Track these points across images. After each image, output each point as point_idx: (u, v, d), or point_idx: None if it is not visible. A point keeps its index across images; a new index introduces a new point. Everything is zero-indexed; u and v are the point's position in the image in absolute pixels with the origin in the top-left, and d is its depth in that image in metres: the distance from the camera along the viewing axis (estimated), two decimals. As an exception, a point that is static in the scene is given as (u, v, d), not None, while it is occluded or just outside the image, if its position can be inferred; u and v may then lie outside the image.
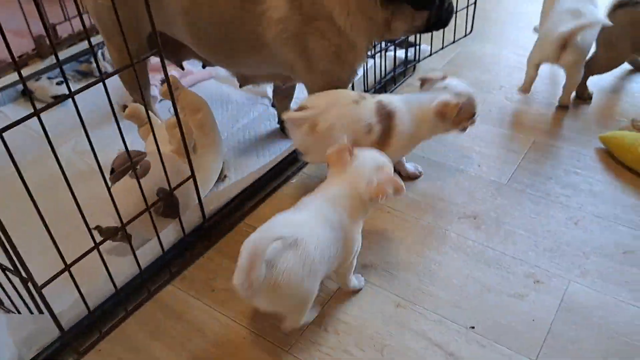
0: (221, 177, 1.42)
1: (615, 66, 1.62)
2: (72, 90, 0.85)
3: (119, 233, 1.07)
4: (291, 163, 1.48)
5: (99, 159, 0.93)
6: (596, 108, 1.64)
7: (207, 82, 1.84)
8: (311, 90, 1.31)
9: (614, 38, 1.53)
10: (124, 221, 1.01)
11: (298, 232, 0.92)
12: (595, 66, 1.60)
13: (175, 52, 1.47)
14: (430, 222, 1.30)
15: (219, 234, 1.29)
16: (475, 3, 1.93)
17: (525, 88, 1.65)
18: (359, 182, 1.01)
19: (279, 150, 1.51)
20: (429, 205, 1.35)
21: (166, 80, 1.03)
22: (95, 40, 1.97)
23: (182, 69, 1.57)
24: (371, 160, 1.05)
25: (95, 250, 0.96)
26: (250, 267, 0.85)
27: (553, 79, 1.79)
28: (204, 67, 1.53)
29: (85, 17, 1.97)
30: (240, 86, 1.47)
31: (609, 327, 1.04)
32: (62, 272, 0.91)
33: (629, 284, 1.12)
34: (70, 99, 0.86)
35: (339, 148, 1.04)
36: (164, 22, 1.30)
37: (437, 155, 1.50)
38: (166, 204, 1.15)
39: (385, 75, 1.76)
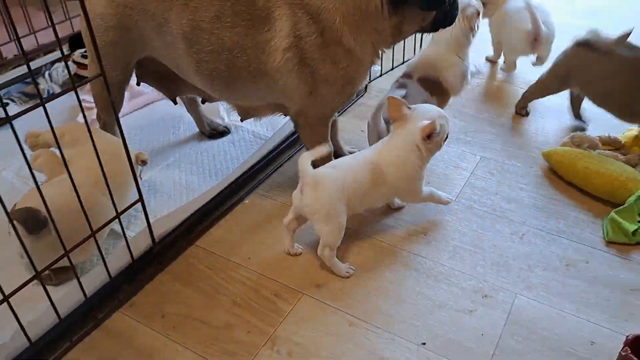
0: (138, 162, 1.36)
1: (552, 93, 1.68)
2: (10, 114, 0.83)
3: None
4: (244, 183, 1.47)
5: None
6: (540, 125, 1.71)
7: (160, 102, 1.82)
8: (298, 115, 1.30)
9: (563, 71, 1.59)
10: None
11: (344, 165, 1.22)
12: (538, 90, 1.68)
13: (171, 86, 1.45)
14: (382, 240, 1.32)
15: (169, 257, 1.27)
16: None
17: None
18: (414, 127, 1.21)
19: (231, 169, 1.51)
20: (379, 223, 1.37)
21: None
22: (42, 61, 1.93)
23: (175, 103, 1.53)
24: (425, 110, 1.25)
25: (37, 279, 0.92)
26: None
27: (497, 96, 1.85)
28: (203, 102, 1.51)
29: (30, 37, 1.95)
30: (241, 120, 1.44)
31: (553, 339, 1.08)
32: (0, 302, 0.87)
33: (571, 296, 1.16)
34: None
35: (397, 102, 1.23)
36: (163, 49, 1.28)
37: (389, 173, 1.53)
38: (24, 222, 1.06)
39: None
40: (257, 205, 1.44)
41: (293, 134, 1.62)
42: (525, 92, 1.72)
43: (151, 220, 1.20)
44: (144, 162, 1.38)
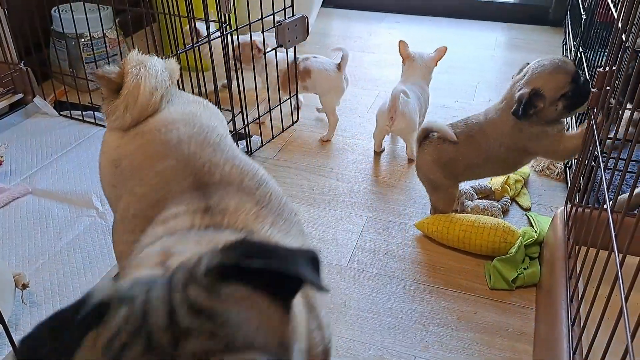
0: (19, 287, 1.26)
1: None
2: None
3: None
4: (126, 278, 1.37)
5: None
6: (417, 181, 1.79)
7: (24, 198, 1.67)
8: None
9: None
10: None
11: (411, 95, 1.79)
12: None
13: None
14: (279, 319, 1.28)
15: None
16: (297, 94, 2.04)
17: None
18: (423, 58, 1.92)
19: (110, 265, 1.40)
20: (275, 301, 1.33)
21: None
22: None
23: None
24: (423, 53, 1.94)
25: None
26: (393, 104, 1.73)
27: (377, 159, 1.93)
28: None
29: None
30: None
31: (455, 397, 1.09)
32: None
33: (465, 350, 1.20)
34: None
35: (402, 44, 1.93)
36: None
37: (279, 246, 1.51)
38: None
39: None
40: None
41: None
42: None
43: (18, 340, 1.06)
44: (24, 287, 1.26)
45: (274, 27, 1.77)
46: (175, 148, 0.87)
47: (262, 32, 1.74)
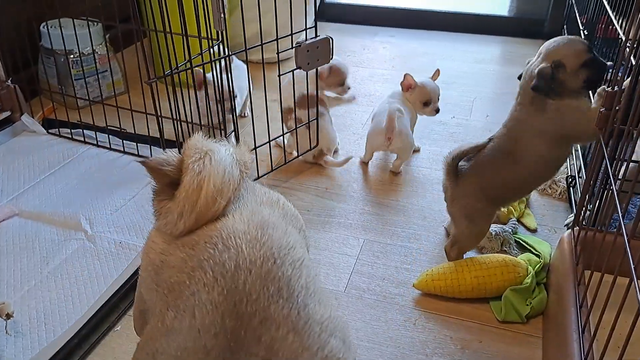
0: (2, 317, 1.21)
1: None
2: None
3: None
4: (114, 306, 1.31)
5: None
6: (417, 201, 1.75)
7: (10, 221, 1.61)
8: None
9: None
10: None
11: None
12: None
13: None
14: (275, 349, 1.22)
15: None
16: (317, 119, 1.98)
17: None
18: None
19: (98, 292, 1.34)
20: (271, 329, 1.28)
21: None
22: None
23: None
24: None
25: None
26: (391, 124, 1.73)
27: (373, 177, 1.88)
28: None
29: None
30: None
31: None
32: None
33: (470, 382, 1.15)
34: None
35: (409, 77, 1.93)
36: None
37: (274, 270, 1.45)
38: None
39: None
40: (132, 331, 1.28)
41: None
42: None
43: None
44: (8, 316, 1.21)
45: (292, 47, 1.70)
46: (228, 278, 0.69)
47: (277, 54, 1.66)
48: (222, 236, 0.74)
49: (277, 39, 1.65)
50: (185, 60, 1.43)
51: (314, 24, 1.73)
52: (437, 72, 1.95)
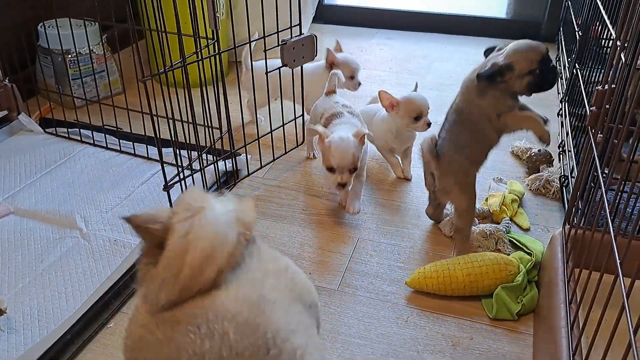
0: None
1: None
2: None
3: None
4: (107, 303, 1.32)
5: None
6: (410, 199, 1.76)
7: (5, 219, 1.62)
8: None
9: None
10: None
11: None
12: None
13: None
14: (267, 346, 1.23)
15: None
16: (302, 115, 2.00)
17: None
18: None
19: (92, 289, 1.35)
20: (264, 327, 1.28)
21: None
22: None
23: None
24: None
25: None
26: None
27: (368, 177, 1.89)
28: None
29: None
30: None
31: None
32: None
33: (461, 378, 1.15)
34: None
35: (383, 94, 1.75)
36: None
37: (268, 268, 1.46)
38: None
39: (209, 188, 1.71)
40: (125, 329, 1.28)
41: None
42: None
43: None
44: (1, 313, 1.21)
45: (278, 45, 1.72)
46: None
47: (265, 51, 1.69)
48: (207, 317, 0.62)
49: (264, 37, 1.71)
50: (179, 59, 1.43)
51: (298, 22, 1.75)
52: (416, 85, 1.89)
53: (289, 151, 1.98)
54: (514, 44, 1.37)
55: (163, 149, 1.81)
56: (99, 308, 1.30)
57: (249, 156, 1.88)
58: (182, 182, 1.56)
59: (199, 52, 1.51)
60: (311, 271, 1.45)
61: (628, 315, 0.71)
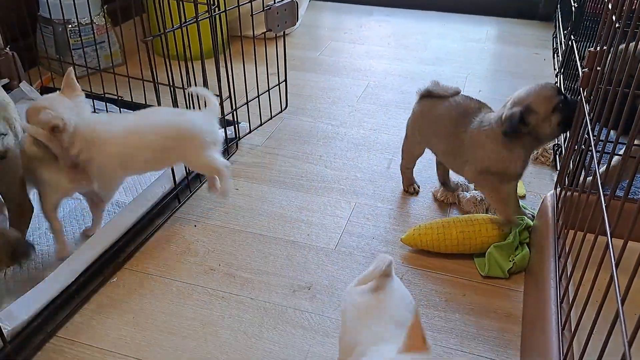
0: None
1: (418, 156, 1.64)
2: None
3: None
4: (109, 261, 1.35)
5: None
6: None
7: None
8: None
9: (411, 127, 1.59)
10: None
11: None
12: (405, 159, 1.65)
13: None
14: (266, 300, 1.27)
15: (26, 356, 1.11)
16: (285, 81, 2.03)
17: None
18: None
19: (92, 247, 1.38)
20: (263, 283, 1.32)
21: None
22: None
23: None
24: None
25: None
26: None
27: (367, 144, 1.92)
28: None
29: None
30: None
31: (442, 376, 1.09)
32: None
33: (454, 331, 1.19)
34: None
35: None
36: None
37: (266, 229, 1.50)
38: None
39: (208, 155, 1.74)
40: (128, 282, 1.32)
41: (163, 199, 1.55)
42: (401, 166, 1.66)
43: (-2, 316, 1.04)
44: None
45: (262, 10, 1.75)
46: None
47: (252, 15, 1.72)
48: None
49: (251, 1, 1.76)
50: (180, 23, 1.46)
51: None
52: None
53: (274, 115, 2.01)
54: (517, 92, 1.29)
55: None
56: (101, 264, 1.33)
57: (244, 124, 1.91)
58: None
59: (197, 16, 1.53)
60: (309, 233, 1.49)
61: (613, 267, 0.73)
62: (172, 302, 1.27)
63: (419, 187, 1.66)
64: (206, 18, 1.53)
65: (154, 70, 1.45)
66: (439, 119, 1.44)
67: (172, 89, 1.57)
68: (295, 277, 1.34)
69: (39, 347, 1.14)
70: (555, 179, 1.65)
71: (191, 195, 1.63)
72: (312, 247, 1.44)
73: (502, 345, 1.16)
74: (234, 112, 1.86)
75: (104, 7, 2.29)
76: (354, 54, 2.65)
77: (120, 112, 1.97)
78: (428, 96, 1.48)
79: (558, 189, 1.31)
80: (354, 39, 2.84)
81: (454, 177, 1.63)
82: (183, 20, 1.50)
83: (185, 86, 1.63)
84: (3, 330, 1.04)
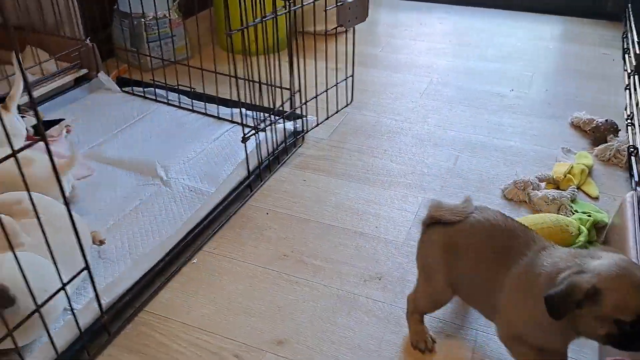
0: (96, 243, 1.36)
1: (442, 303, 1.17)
2: None
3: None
4: (191, 242, 1.42)
5: None
6: (475, 165, 1.79)
7: (90, 163, 1.74)
8: None
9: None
10: None
11: None
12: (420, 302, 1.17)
13: None
14: (338, 288, 1.31)
15: (119, 327, 1.19)
16: (352, 76, 2.06)
17: None
18: None
19: (174, 229, 1.45)
20: (334, 271, 1.36)
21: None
22: None
23: None
24: None
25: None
26: None
27: (432, 140, 1.93)
28: None
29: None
30: None
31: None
32: None
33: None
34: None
35: None
36: None
37: (334, 219, 1.54)
38: None
39: (277, 146, 1.80)
40: (207, 264, 1.39)
41: (237, 187, 1.61)
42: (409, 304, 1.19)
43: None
44: (101, 242, 1.35)
45: (335, 6, 1.79)
46: None
47: (325, 11, 1.76)
48: None
49: None
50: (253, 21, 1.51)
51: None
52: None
53: (340, 109, 2.04)
54: (613, 261, 0.86)
55: (232, 109, 1.90)
56: (183, 247, 1.41)
57: (312, 117, 1.95)
58: (256, 135, 1.65)
59: (276, 11, 1.58)
60: (377, 225, 1.52)
61: None
62: (249, 284, 1.33)
63: (433, 341, 1.16)
64: (284, 13, 1.58)
65: (233, 64, 1.50)
66: (469, 250, 1.04)
67: (248, 83, 1.62)
68: (365, 268, 1.37)
69: (129, 319, 1.21)
70: (629, 182, 1.64)
71: (262, 185, 1.69)
72: (381, 239, 1.47)
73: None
74: (303, 105, 1.90)
75: (176, 2, 2.37)
76: (414, 51, 2.66)
77: (192, 103, 2.05)
78: (438, 223, 1.10)
79: (639, 190, 1.29)
80: (414, 36, 2.84)
81: (524, 174, 1.63)
82: (260, 15, 1.56)
83: (263, 80, 1.68)
84: (102, 302, 1.12)
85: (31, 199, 0.90)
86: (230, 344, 1.17)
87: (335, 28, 1.85)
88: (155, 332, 1.19)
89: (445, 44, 2.74)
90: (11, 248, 0.88)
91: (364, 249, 1.44)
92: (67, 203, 0.98)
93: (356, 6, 1.83)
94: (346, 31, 1.91)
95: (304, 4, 1.72)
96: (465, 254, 1.04)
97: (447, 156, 1.84)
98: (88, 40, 2.17)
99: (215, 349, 1.15)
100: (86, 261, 1.04)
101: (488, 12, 3.16)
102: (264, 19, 1.52)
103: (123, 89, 2.20)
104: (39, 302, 0.95)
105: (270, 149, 1.76)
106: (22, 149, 0.82)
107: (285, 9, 1.61)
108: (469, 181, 1.70)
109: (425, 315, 1.17)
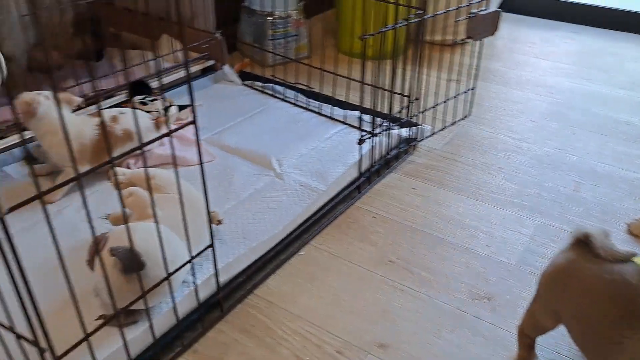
0: (214, 223, 1.41)
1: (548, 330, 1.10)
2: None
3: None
4: (300, 235, 1.46)
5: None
6: (597, 195, 1.69)
7: (212, 149, 1.84)
8: None
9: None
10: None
11: None
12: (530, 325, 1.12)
13: None
14: (445, 302, 1.28)
15: (230, 305, 1.24)
16: (474, 88, 2.02)
17: None
18: None
19: (286, 220, 1.49)
20: (440, 285, 1.34)
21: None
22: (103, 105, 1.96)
23: None
24: None
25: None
26: None
27: (551, 163, 1.84)
28: None
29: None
30: None
31: None
32: (81, 341, 0.84)
33: None
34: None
35: None
36: None
37: (443, 232, 1.51)
38: (124, 261, 1.03)
39: (390, 151, 1.80)
40: (313, 258, 1.41)
41: (345, 188, 1.63)
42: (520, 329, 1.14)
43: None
44: (219, 222, 1.41)
45: (466, 17, 1.76)
46: None
47: (456, 21, 1.74)
48: None
49: (457, 8, 1.74)
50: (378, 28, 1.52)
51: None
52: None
53: (457, 121, 2.00)
54: None
55: (348, 112, 1.92)
56: (292, 238, 1.44)
57: (427, 126, 1.93)
58: (371, 138, 1.66)
59: (408, 19, 1.58)
60: (489, 244, 1.47)
61: None
62: (354, 284, 1.33)
63: None
64: (417, 21, 1.58)
65: (364, 67, 1.53)
66: (591, 295, 0.92)
67: (373, 89, 1.64)
68: (474, 286, 1.34)
69: (239, 300, 1.26)
70: None
71: (371, 187, 1.69)
72: (492, 260, 1.42)
73: None
74: (420, 114, 1.89)
75: (300, 3, 2.45)
76: (537, 69, 2.55)
77: (307, 102, 2.10)
78: (584, 245, 0.97)
79: None
80: (537, 53, 2.73)
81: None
82: (390, 22, 1.57)
83: (386, 86, 1.69)
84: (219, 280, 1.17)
85: (177, 178, 0.96)
86: (334, 339, 1.18)
87: (463, 39, 1.82)
88: (262, 315, 1.23)
89: (570, 65, 2.61)
90: (155, 219, 0.94)
91: (473, 266, 1.40)
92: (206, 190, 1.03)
93: (487, 19, 1.80)
94: (472, 44, 1.88)
95: (437, 13, 1.72)
96: (584, 295, 0.92)
97: (567, 182, 1.74)
98: (219, 34, 2.28)
99: (319, 342, 1.17)
100: (212, 239, 1.10)
101: (619, 35, 2.97)
102: (395, 26, 1.53)
103: (244, 82, 2.30)
104: (167, 271, 1.02)
105: (383, 154, 1.77)
106: (174, 131, 0.88)
107: (418, 17, 1.61)
108: (591, 211, 1.61)
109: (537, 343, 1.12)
